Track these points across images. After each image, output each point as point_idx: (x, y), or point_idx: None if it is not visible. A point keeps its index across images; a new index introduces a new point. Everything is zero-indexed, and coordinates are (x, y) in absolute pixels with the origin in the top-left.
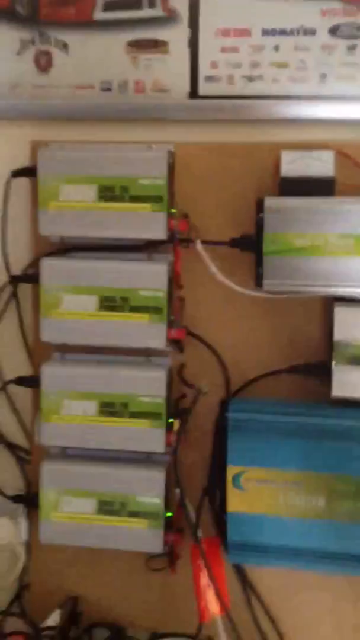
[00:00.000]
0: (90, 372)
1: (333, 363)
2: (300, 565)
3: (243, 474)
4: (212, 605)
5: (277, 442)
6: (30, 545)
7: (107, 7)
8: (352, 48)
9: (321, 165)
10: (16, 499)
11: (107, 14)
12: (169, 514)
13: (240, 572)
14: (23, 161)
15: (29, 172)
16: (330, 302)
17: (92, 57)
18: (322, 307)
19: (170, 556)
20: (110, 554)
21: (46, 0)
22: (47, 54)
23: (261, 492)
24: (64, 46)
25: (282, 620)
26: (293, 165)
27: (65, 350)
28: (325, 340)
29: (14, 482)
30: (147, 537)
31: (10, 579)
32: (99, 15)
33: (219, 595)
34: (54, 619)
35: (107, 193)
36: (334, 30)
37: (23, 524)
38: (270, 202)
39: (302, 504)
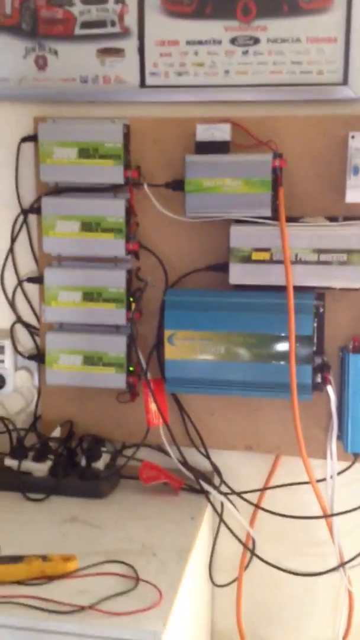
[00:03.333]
0: (76, 273)
1: (230, 262)
2: (213, 391)
3: (174, 335)
4: (157, 419)
5: (196, 314)
6: (40, 388)
7: (83, 26)
8: (245, 52)
9: (221, 133)
10: (30, 357)
11: (84, 31)
12: (132, 368)
13: (175, 398)
14: (28, 131)
15: (32, 138)
16: (230, 223)
17: (74, 60)
18: (225, 226)
19: (131, 392)
20: (92, 392)
21: (43, 20)
22: (44, 57)
23: (186, 346)
24: (55, 52)
25: (202, 428)
26: (204, 133)
27: (59, 259)
28: (227, 248)
29: (28, 348)
30: (116, 379)
31: (28, 410)
32: (78, 31)
33: (160, 412)
34: (56, 433)
35: (84, 153)
36: (233, 41)
37: (35, 374)
38: (190, 158)
39: (212, 351)
